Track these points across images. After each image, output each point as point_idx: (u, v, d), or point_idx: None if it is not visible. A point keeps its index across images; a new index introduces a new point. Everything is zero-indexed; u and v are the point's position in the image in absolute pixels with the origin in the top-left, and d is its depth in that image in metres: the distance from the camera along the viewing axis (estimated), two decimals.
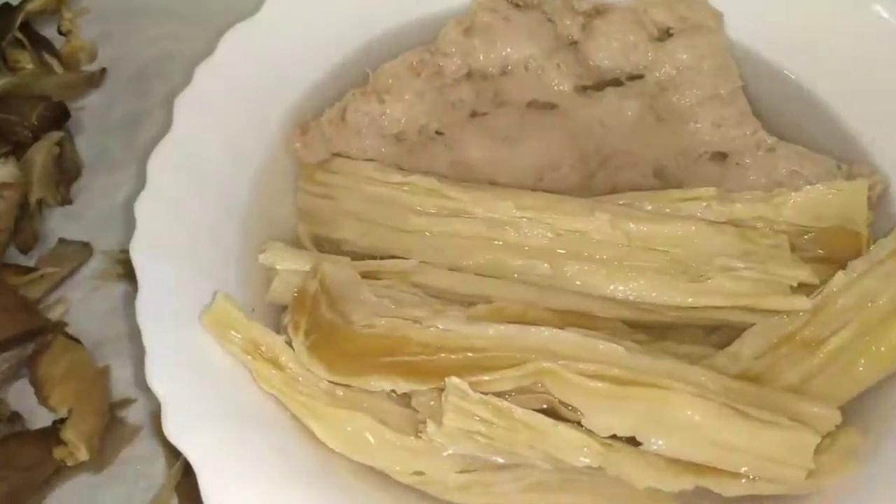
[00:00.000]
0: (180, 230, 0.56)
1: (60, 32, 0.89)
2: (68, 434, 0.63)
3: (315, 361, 0.52)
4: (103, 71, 0.86)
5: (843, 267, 0.58)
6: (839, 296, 0.57)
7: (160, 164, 0.57)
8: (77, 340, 0.70)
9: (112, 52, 0.89)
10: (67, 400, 0.65)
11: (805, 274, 0.57)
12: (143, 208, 0.55)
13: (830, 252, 0.60)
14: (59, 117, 0.81)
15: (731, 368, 0.56)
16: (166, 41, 0.89)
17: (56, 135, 0.80)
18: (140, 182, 0.57)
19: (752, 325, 0.58)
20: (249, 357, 0.52)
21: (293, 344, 0.52)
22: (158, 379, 0.48)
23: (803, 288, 0.58)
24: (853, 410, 0.55)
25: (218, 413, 0.48)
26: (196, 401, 0.48)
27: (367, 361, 0.53)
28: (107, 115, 0.85)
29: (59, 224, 0.77)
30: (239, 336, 0.53)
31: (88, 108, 0.85)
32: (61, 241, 0.76)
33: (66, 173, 0.79)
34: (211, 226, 0.58)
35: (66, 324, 0.71)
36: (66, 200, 0.78)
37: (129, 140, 0.83)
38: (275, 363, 0.53)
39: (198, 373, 0.50)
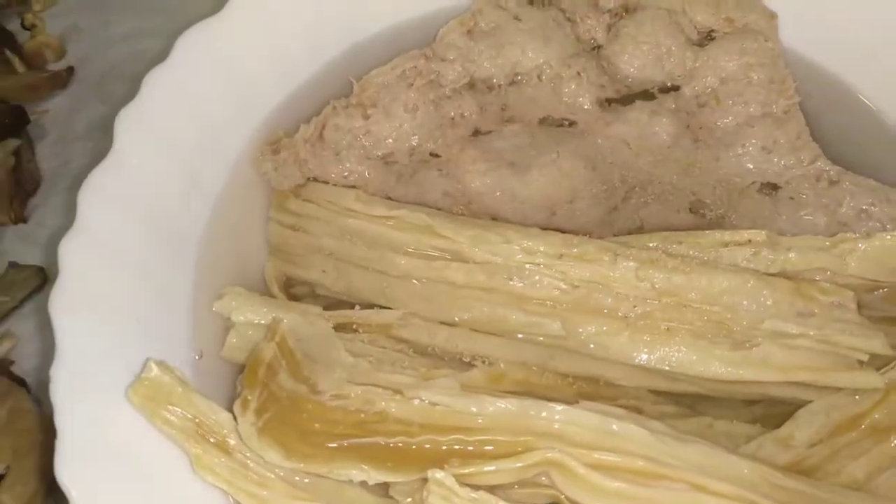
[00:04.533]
0: (116, 278, 0.47)
1: (24, 27, 0.80)
2: (3, 496, 0.55)
3: (268, 445, 0.43)
4: (70, 70, 0.78)
5: None
6: None
7: (95, 194, 0.48)
8: (22, 382, 0.62)
9: (81, 49, 0.81)
10: (3, 456, 0.57)
11: (877, 344, 0.46)
12: (70, 251, 0.46)
13: None
14: (16, 123, 0.73)
15: (781, 457, 0.46)
16: (141, 37, 0.81)
17: (12, 143, 0.72)
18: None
19: (808, 401, 0.48)
20: (189, 440, 0.43)
21: (239, 426, 0.43)
22: (70, 473, 0.39)
23: (874, 359, 0.47)
24: None
25: None
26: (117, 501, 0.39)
27: (332, 443, 0.44)
28: (72, 121, 0.77)
29: (11, 245, 0.69)
30: (177, 413, 0.43)
31: (52, 113, 0.77)
32: (12, 265, 0.68)
33: (21, 187, 0.71)
34: (156, 271, 0.49)
35: (11, 362, 0.64)
36: (20, 218, 0.70)
37: (95, 150, 0.74)
38: (221, 447, 0.44)
39: (122, 464, 0.41)
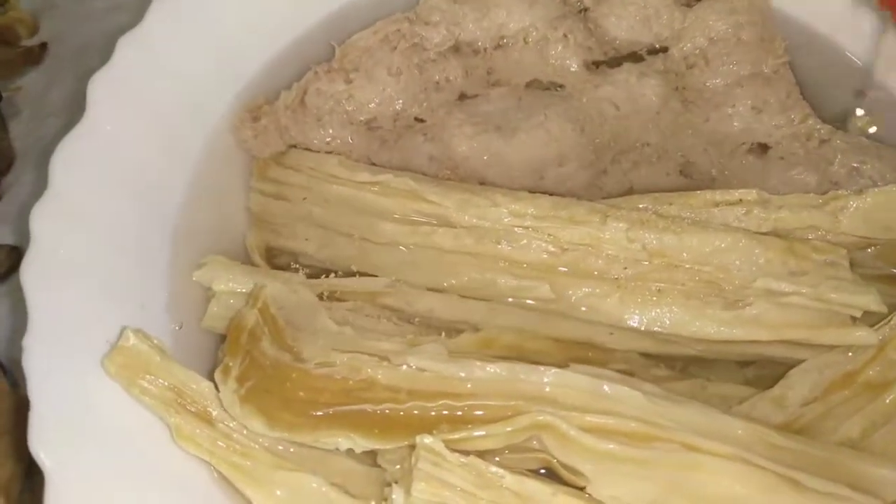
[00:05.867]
0: (91, 246, 0.45)
1: None
2: None
3: (251, 414, 0.42)
4: (44, 46, 0.76)
5: None
6: None
7: (68, 160, 0.46)
8: None
9: (55, 24, 0.78)
10: None
11: (870, 301, 0.46)
12: (42, 218, 0.44)
13: None
14: None
15: (775, 417, 0.46)
16: (117, 11, 0.78)
17: None
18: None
19: (801, 361, 0.47)
20: (169, 409, 0.42)
21: (221, 394, 0.42)
22: (45, 445, 0.38)
23: (867, 316, 0.47)
24: None
25: (123, 492, 0.38)
26: (93, 475, 0.38)
27: (317, 412, 0.43)
28: (46, 98, 0.74)
29: None
30: (156, 383, 0.42)
31: (26, 89, 0.75)
32: None
33: None
34: (133, 239, 0.47)
35: None
36: None
37: (70, 127, 0.72)
38: (202, 416, 0.42)
39: (99, 435, 0.40)
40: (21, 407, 0.58)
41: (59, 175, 0.46)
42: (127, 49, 0.50)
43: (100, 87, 0.49)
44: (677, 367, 0.50)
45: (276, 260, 0.53)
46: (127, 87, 0.50)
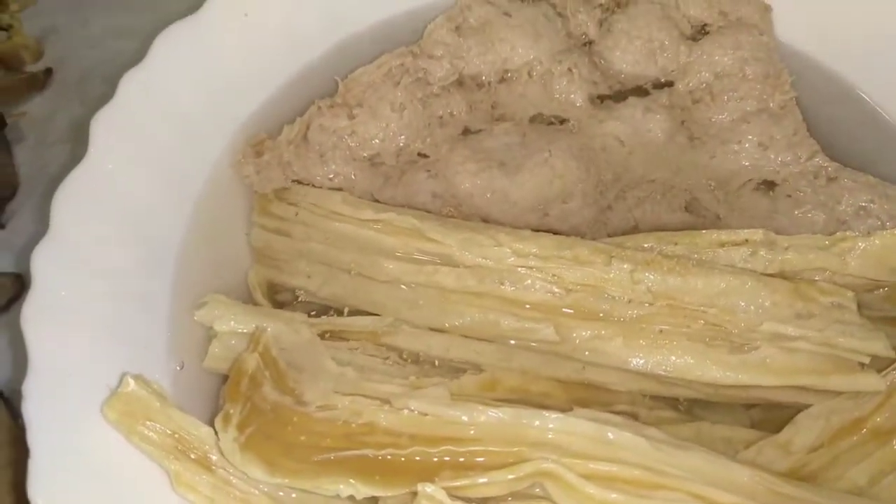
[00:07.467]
0: (92, 288, 0.45)
1: (1, 28, 0.78)
2: None
3: (251, 461, 0.41)
4: (48, 71, 0.76)
5: None
6: None
7: (69, 201, 0.46)
8: None
9: (59, 49, 0.78)
10: None
11: (879, 347, 0.45)
12: (43, 260, 0.44)
13: None
14: None
15: (781, 463, 0.45)
16: (122, 36, 0.78)
17: None
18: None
19: (808, 405, 0.46)
20: (169, 456, 0.41)
21: (220, 442, 0.41)
22: (44, 493, 0.38)
23: (874, 360, 0.46)
24: None
25: None
26: None
27: (319, 457, 0.42)
28: (50, 124, 0.74)
29: None
30: (156, 429, 0.42)
31: (30, 115, 0.75)
32: None
33: None
34: (134, 279, 0.47)
35: None
36: None
37: (74, 153, 0.72)
38: (202, 463, 0.42)
39: (99, 483, 0.39)
40: (21, 439, 0.58)
41: (61, 216, 0.45)
42: (129, 86, 0.50)
43: (102, 125, 0.49)
44: (682, 407, 0.49)
45: (279, 297, 0.53)
46: (129, 126, 0.50)
